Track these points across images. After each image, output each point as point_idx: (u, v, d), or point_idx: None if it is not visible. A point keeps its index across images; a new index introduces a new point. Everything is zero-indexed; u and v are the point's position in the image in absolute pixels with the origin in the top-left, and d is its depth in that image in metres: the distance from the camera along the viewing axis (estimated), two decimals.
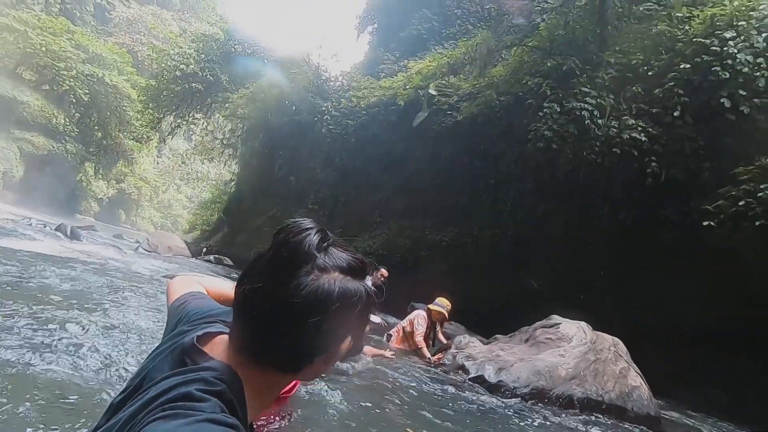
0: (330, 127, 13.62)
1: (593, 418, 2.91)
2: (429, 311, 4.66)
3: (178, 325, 0.81)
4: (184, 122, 20.18)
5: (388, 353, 3.68)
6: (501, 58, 10.81)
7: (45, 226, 11.62)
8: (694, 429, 3.81)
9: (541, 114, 8.13)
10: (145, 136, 22.80)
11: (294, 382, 1.44)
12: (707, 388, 6.13)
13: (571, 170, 7.92)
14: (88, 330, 2.58)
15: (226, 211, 19.26)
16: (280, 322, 0.64)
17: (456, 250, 9.83)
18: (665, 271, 6.88)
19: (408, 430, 1.95)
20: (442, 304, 4.68)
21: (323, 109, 13.90)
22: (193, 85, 17.53)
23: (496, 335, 4.33)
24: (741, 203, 5.84)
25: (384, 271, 6.53)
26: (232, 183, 20.82)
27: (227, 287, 1.02)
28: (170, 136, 23.90)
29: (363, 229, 12.21)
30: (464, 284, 8.94)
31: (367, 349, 3.44)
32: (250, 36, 17.45)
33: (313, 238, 0.67)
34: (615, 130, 7.37)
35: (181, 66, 16.81)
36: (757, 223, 5.56)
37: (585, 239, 7.92)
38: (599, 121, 7.56)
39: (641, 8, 8.77)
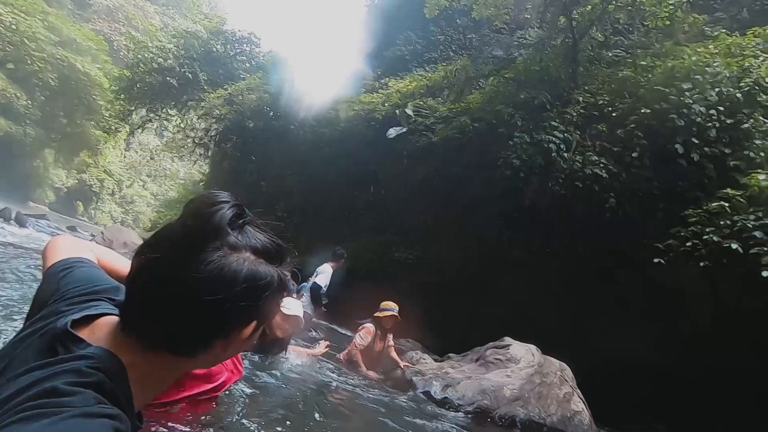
0: (306, 136, 13.57)
1: None
2: (377, 320, 4.43)
3: (52, 297, 0.70)
4: (157, 117, 19.63)
5: (318, 351, 3.47)
6: (478, 87, 11.16)
7: None
8: None
9: (511, 143, 8.39)
10: (113, 127, 21.98)
11: (224, 380, 1.35)
12: (654, 423, 6.28)
13: (535, 200, 8.17)
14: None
15: None
16: (176, 298, 0.58)
17: (421, 269, 9.85)
18: (619, 305, 7.12)
19: None
20: (389, 308, 4.41)
21: (301, 117, 13.86)
22: (170, 80, 17.13)
23: (450, 354, 4.31)
24: (688, 244, 6.15)
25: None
26: (201, 184, 20.30)
27: (123, 263, 0.90)
28: (140, 130, 23.11)
29: (331, 241, 12.09)
30: (426, 303, 8.93)
31: (299, 349, 3.33)
32: (233, 38, 17.32)
33: (227, 212, 0.63)
34: (579, 165, 7.68)
35: (159, 60, 16.44)
36: (701, 264, 5.86)
37: (546, 269, 8.12)
38: (565, 155, 7.87)
39: (610, 54, 9.32)
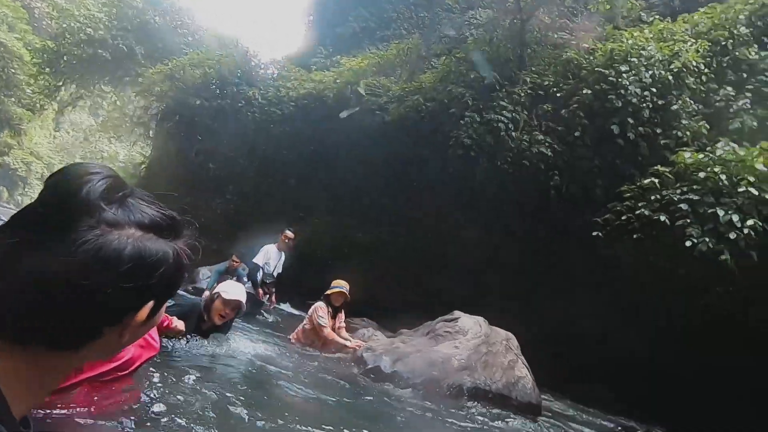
0: (256, 115, 13.03)
1: (480, 406, 3.06)
2: (327, 297, 4.38)
3: None
4: (89, 94, 18.07)
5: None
6: (431, 66, 11.16)
7: None
8: (569, 416, 4.18)
9: (462, 122, 8.50)
10: (38, 104, 19.98)
11: (132, 357, 1.24)
12: (594, 385, 6.76)
13: (486, 179, 8.38)
14: None
15: None
16: (48, 285, 0.51)
17: (377, 249, 9.89)
18: (565, 279, 7.53)
19: None
20: (339, 285, 4.41)
21: (249, 95, 13.26)
22: (101, 53, 15.74)
23: (402, 330, 4.39)
24: (623, 218, 6.59)
25: (289, 233, 6.19)
26: (143, 166, 19.08)
27: None
28: (71, 108, 21.26)
29: (285, 225, 11.83)
30: (382, 283, 9.03)
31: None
32: (173, 8, 16.13)
33: (97, 185, 0.54)
34: (526, 144, 7.94)
35: (88, 30, 15.00)
36: (635, 236, 6.30)
37: (497, 247, 8.41)
38: (513, 134, 8.09)
39: (556, 36, 9.58)
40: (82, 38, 15.54)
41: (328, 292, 4.39)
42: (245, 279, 6.01)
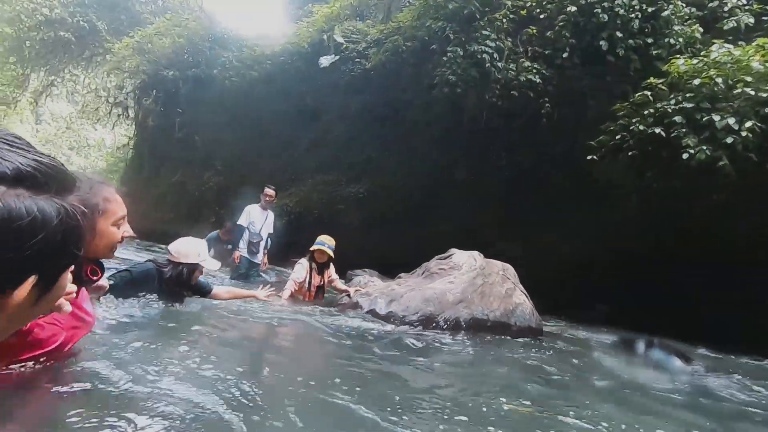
0: (233, 79, 12.54)
1: (478, 335, 3.10)
2: (311, 254, 4.33)
3: None
4: (60, 79, 17.39)
5: (261, 294, 3.42)
6: (408, 3, 10.53)
7: None
8: (570, 335, 4.26)
9: (445, 59, 8.09)
10: (11, 96, 19.31)
11: (64, 340, 1.16)
12: (591, 304, 6.93)
13: (474, 115, 8.12)
14: None
15: (123, 180, 17.40)
16: None
17: (370, 201, 9.83)
18: (558, 207, 7.47)
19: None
20: (321, 242, 4.32)
21: (224, 60, 12.70)
22: (64, 34, 14.97)
23: (401, 273, 4.40)
24: (618, 137, 6.39)
25: (269, 191, 6.10)
26: (129, 148, 18.74)
27: None
28: (45, 97, 20.58)
29: (277, 189, 11.72)
30: (379, 233, 9.05)
31: (235, 291, 3.26)
32: None
33: None
34: (513, 73, 7.60)
35: (44, 10, 14.17)
36: (630, 153, 6.14)
37: (487, 182, 8.30)
38: (499, 64, 7.73)
39: None
40: (40, 20, 14.72)
41: (312, 248, 4.37)
42: (230, 247, 6.01)
